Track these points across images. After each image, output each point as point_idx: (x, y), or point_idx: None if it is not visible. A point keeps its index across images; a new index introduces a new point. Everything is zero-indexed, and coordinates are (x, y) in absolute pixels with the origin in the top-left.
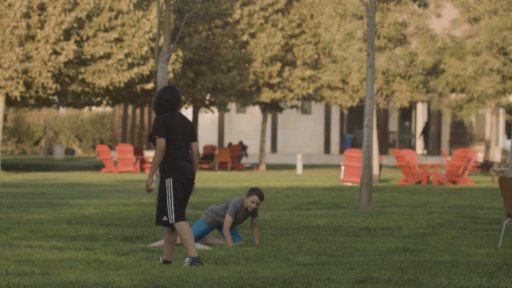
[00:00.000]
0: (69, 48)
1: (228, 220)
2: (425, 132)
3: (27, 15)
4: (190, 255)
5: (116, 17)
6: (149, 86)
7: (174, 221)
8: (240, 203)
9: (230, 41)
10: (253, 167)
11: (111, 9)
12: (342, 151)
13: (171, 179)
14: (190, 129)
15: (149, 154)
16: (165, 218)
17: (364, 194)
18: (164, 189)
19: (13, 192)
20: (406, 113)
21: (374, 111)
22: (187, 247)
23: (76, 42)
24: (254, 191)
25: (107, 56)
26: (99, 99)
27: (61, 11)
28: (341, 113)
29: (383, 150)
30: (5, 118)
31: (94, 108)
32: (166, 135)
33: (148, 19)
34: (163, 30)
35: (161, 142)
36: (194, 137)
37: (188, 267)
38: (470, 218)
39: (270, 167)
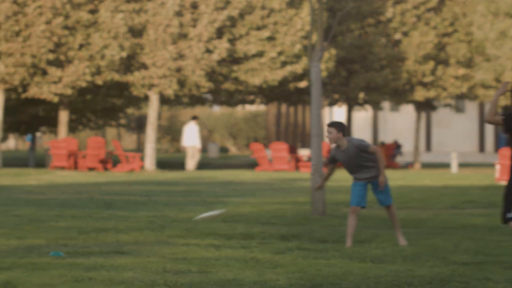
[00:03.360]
0: (222, 47)
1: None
2: None
3: (179, 13)
4: None
5: (268, 16)
6: (303, 84)
7: None
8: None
9: (383, 39)
10: (407, 165)
11: (263, 8)
12: (497, 149)
13: None
14: None
15: (304, 153)
16: (509, 215)
17: None
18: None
19: (168, 190)
20: None
21: None
22: None
23: (229, 40)
24: None
25: (260, 54)
26: (252, 97)
27: (214, 9)
28: None
29: None
30: (159, 117)
31: (247, 106)
32: None
33: (300, 17)
34: (315, 28)
35: None
36: None
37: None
38: None
39: (424, 165)
